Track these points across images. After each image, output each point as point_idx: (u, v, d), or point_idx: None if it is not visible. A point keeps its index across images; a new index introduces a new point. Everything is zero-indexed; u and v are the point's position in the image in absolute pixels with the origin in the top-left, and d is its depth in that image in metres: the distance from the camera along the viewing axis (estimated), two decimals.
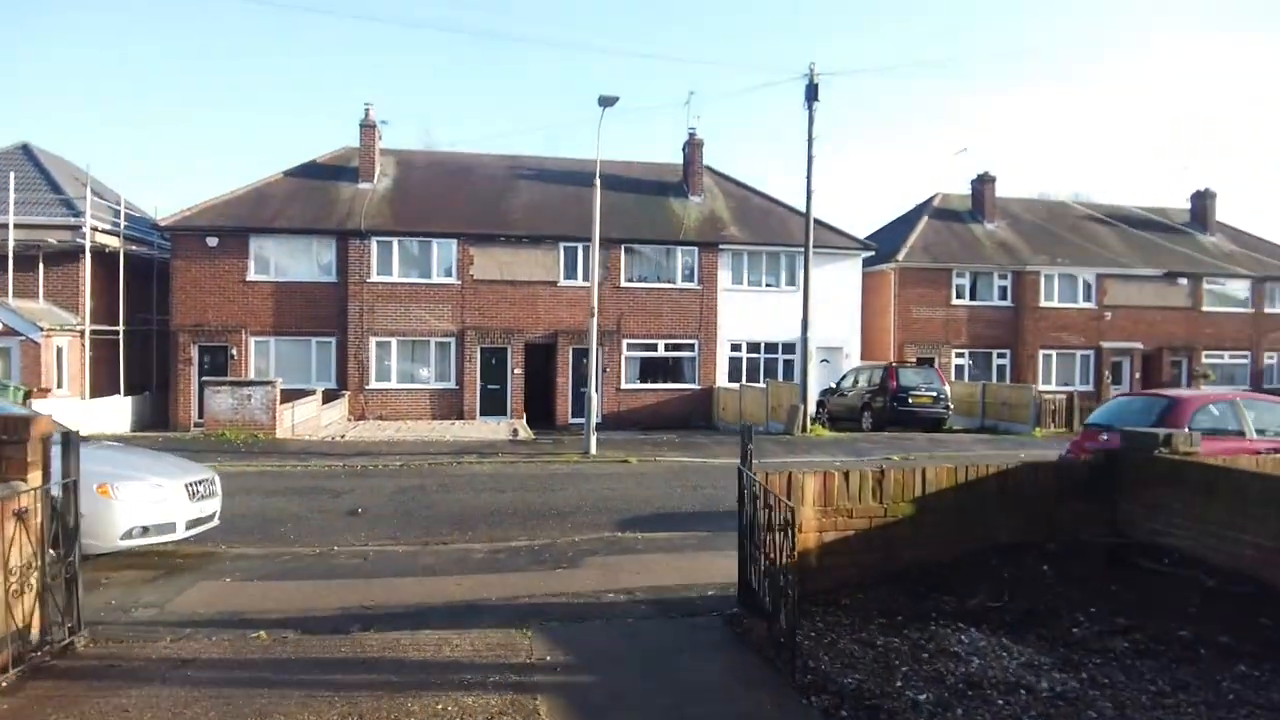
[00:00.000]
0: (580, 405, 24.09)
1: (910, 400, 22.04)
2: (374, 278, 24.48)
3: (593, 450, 16.88)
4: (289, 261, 24.54)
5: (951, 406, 23.00)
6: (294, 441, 18.69)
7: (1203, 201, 38.27)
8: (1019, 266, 31.76)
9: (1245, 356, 34.90)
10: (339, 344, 24.52)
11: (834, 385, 25.51)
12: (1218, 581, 5.57)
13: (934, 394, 22.46)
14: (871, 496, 6.10)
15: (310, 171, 27.02)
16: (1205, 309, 34.22)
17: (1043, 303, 32.14)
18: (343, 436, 20.16)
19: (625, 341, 25.61)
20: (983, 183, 34.38)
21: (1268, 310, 35.12)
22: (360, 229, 24.28)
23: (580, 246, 24.76)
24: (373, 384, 24.49)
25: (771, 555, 4.97)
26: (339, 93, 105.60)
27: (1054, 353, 32.50)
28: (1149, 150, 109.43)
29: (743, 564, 5.78)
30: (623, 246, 25.16)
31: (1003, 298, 32.01)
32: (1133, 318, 33.14)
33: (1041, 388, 27.73)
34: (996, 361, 32.20)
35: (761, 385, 23.41)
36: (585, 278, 24.81)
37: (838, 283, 26.67)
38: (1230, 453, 9.96)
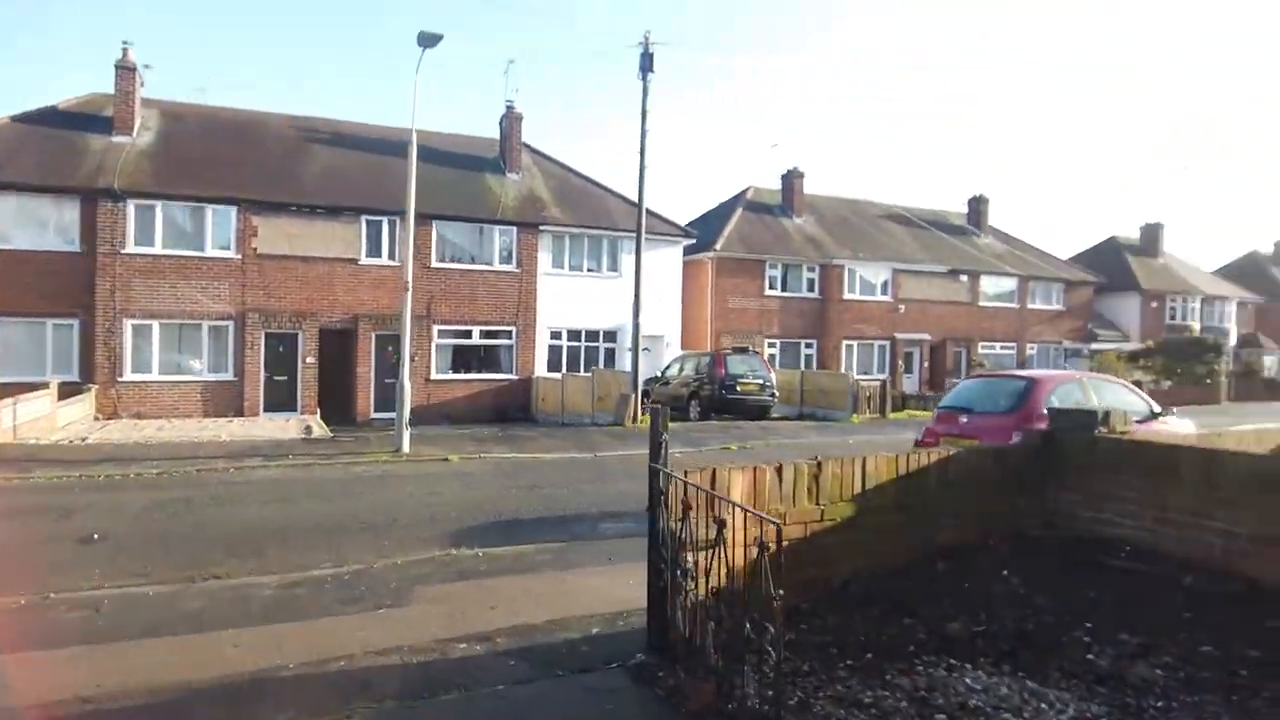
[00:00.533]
0: (385, 398, 21.54)
1: (738, 388, 21.57)
2: (131, 248, 20.35)
3: (405, 448, 14.67)
4: (16, 226, 19.81)
5: (777, 394, 22.85)
6: (14, 447, 14.82)
7: (978, 206, 41.78)
8: (826, 260, 32.69)
9: (1013, 347, 38.24)
10: (84, 327, 20.20)
11: (659, 374, 24.65)
12: (1195, 579, 4.81)
13: (760, 382, 22.18)
14: (807, 496, 4.81)
15: (49, 119, 22.12)
16: (982, 304, 37.11)
17: (846, 295, 33.30)
18: (85, 439, 16.39)
19: (436, 328, 23.20)
20: (792, 178, 35.16)
21: (1030, 306, 38.74)
22: (113, 189, 20.07)
23: (385, 220, 22.07)
24: (128, 376, 20.41)
25: (718, 587, 3.51)
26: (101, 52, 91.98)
27: (855, 343, 33.80)
28: (927, 155, 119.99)
29: (657, 596, 4.26)
30: (434, 223, 22.68)
31: (810, 290, 32.82)
32: (922, 311, 35.20)
33: None
34: (804, 351, 32.99)
35: (587, 374, 22.01)
36: (391, 255, 22.18)
37: (660, 270, 25.82)
38: None
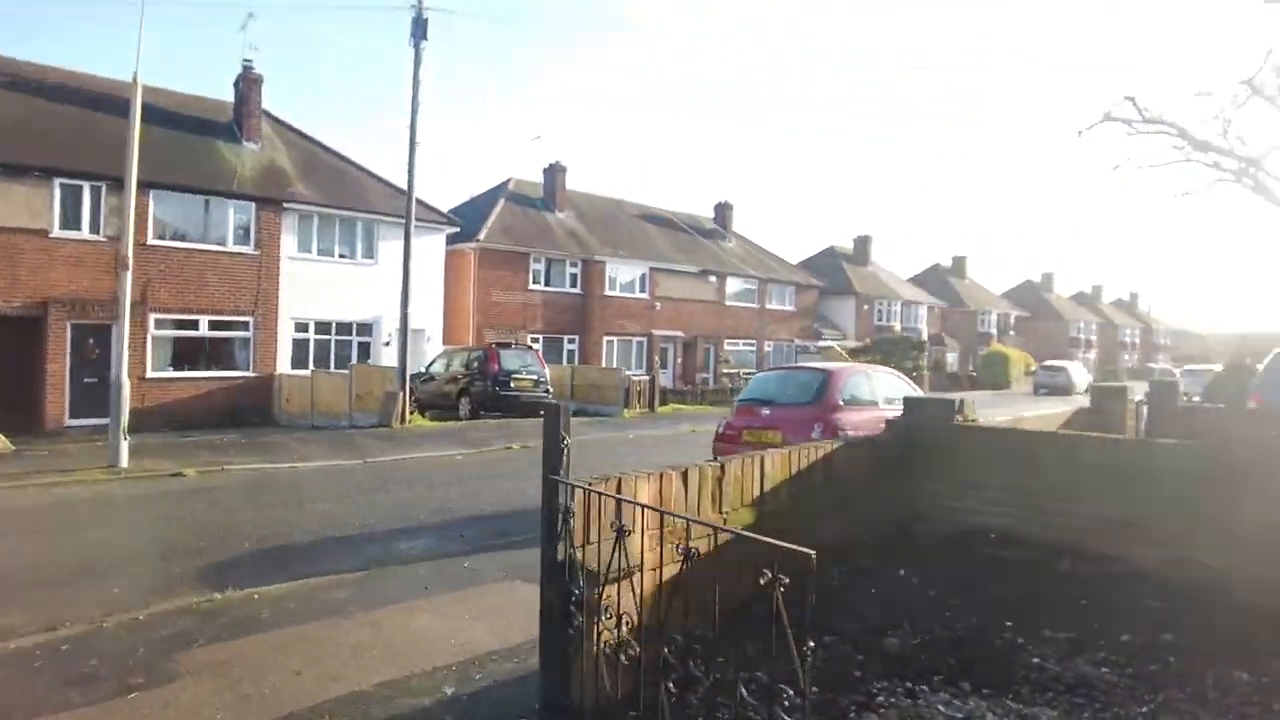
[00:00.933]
0: (84, 401, 17.89)
1: (512, 384, 20.55)
2: None
3: (124, 461, 12.00)
4: None
5: (552, 390, 22.14)
6: None
7: (724, 212, 44.30)
8: (588, 256, 32.61)
9: (753, 344, 40.83)
10: None
11: (423, 370, 22.90)
12: (1070, 563, 4.79)
13: (535, 378, 21.33)
14: (711, 504, 4.12)
15: None
16: (728, 303, 39.17)
17: (607, 292, 33.47)
18: None
19: (154, 316, 19.56)
20: (555, 172, 34.69)
21: (768, 306, 41.62)
22: None
23: (87, 186, 18.15)
24: None
25: (640, 627, 2.68)
26: None
27: (615, 339, 34.11)
28: (677, 159, 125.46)
29: (558, 644, 3.32)
30: (151, 192, 19.03)
31: (573, 285, 32.55)
32: (676, 309, 36.38)
33: None
34: (567, 347, 32.65)
35: (343, 371, 19.80)
36: (94, 228, 18.31)
37: (422, 259, 24.00)
38: (870, 419, 10.23)
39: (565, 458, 3.35)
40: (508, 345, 23.21)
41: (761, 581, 2.37)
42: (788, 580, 2.35)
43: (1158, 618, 4.10)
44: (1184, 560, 4.50)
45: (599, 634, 3.06)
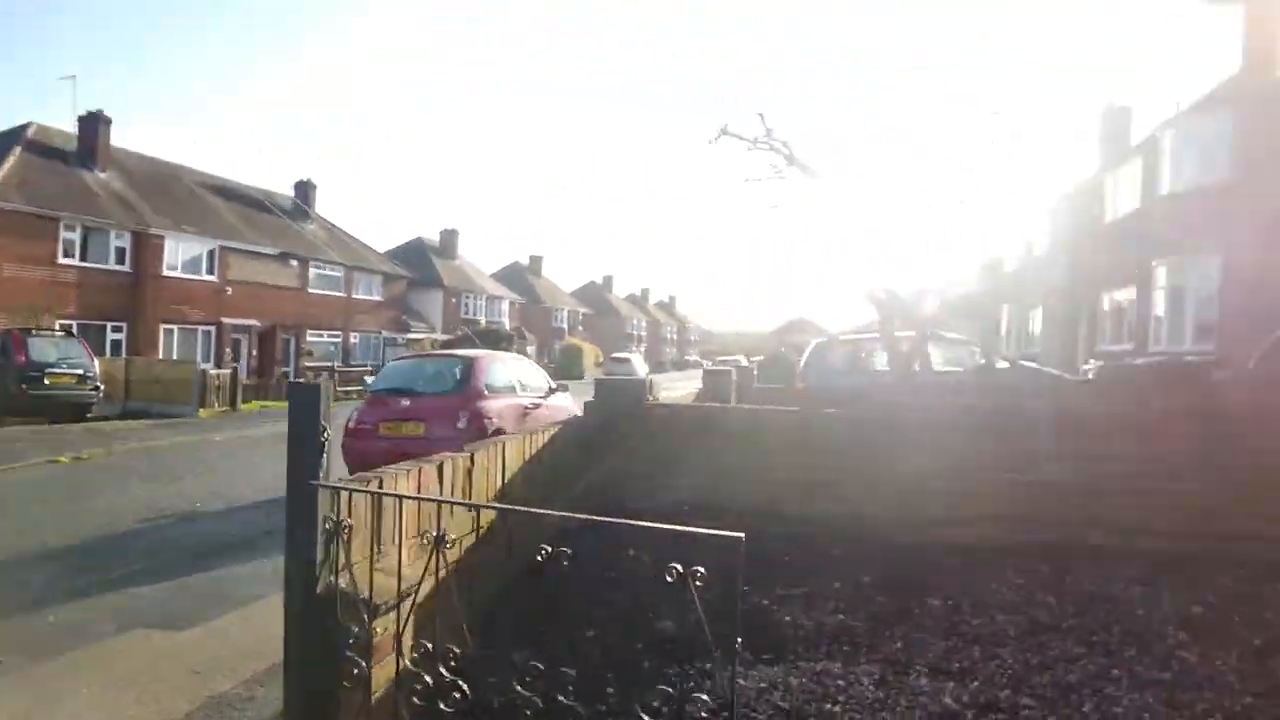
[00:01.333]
0: None
1: (48, 380, 16.29)
2: None
3: None
4: None
5: (102, 387, 18.06)
6: None
7: (305, 191, 40.84)
8: (141, 227, 27.41)
9: (339, 335, 38.38)
10: None
11: None
12: (755, 523, 5.20)
13: (80, 372, 17.19)
14: (464, 498, 3.59)
15: None
16: (311, 291, 36.22)
17: (165, 272, 28.51)
18: None
19: None
20: (97, 123, 28.44)
21: (355, 296, 39.45)
22: None
23: None
24: None
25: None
26: None
27: (176, 328, 29.27)
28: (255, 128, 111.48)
29: (320, 707, 2.56)
30: None
31: (120, 261, 27.07)
32: (251, 295, 32.55)
33: None
34: (111, 336, 26.97)
35: None
36: None
37: None
38: (511, 407, 10.26)
39: (326, 455, 2.60)
40: (31, 331, 18.33)
41: (669, 579, 2.06)
42: (703, 571, 2.08)
43: (852, 564, 4.64)
44: (858, 514, 5.18)
45: (398, 680, 2.42)
